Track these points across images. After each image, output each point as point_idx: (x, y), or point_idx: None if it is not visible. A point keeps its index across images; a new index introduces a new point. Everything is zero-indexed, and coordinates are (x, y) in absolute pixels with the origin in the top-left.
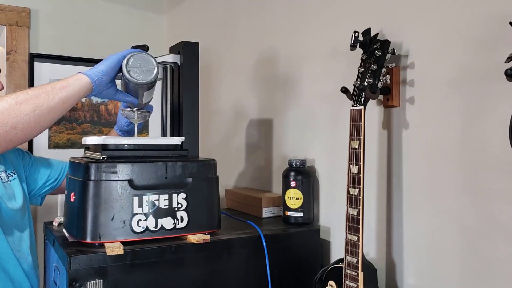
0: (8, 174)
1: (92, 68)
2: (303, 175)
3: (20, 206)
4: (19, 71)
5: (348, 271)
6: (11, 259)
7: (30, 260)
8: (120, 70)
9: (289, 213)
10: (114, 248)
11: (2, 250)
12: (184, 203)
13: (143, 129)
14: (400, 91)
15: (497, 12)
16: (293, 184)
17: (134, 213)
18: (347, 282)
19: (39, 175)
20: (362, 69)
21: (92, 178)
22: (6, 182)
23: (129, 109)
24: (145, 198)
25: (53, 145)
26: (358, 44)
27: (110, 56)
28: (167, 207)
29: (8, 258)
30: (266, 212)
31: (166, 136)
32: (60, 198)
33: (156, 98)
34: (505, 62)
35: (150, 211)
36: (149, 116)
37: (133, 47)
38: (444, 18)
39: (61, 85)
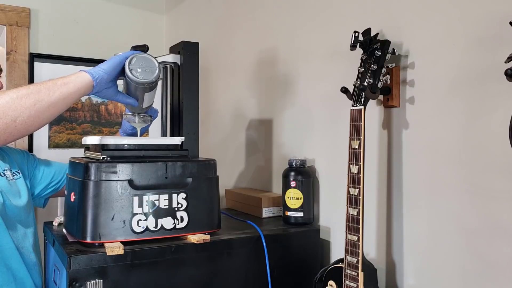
0: (14, 173)
1: (95, 67)
2: (303, 175)
3: (25, 204)
4: (19, 71)
5: (348, 271)
6: (15, 255)
7: (33, 257)
8: (123, 71)
9: (289, 213)
10: (114, 248)
11: (6, 245)
12: (184, 203)
13: None
14: (400, 91)
15: (497, 12)
16: (293, 184)
17: (134, 213)
18: (347, 282)
19: (42, 176)
20: (362, 69)
21: (92, 178)
22: (11, 180)
23: (131, 113)
24: (145, 198)
25: (53, 145)
26: (358, 44)
27: (113, 57)
28: (167, 207)
29: (12, 254)
30: (266, 212)
31: (166, 136)
32: (60, 198)
33: (156, 98)
34: (505, 62)
35: (150, 211)
36: (151, 121)
37: (133, 47)
38: (444, 18)
39: (63, 82)
